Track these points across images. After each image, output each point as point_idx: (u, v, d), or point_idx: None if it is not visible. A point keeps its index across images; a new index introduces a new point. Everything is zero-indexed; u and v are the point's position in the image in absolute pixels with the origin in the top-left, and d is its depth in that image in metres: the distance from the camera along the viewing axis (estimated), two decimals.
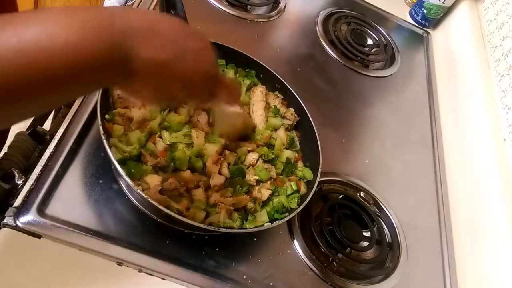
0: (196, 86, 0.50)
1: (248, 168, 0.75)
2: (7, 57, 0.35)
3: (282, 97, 0.86)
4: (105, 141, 0.61)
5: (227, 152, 0.73)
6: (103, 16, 0.40)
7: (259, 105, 0.82)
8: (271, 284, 0.71)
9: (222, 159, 0.72)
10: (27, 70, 0.35)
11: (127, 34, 0.41)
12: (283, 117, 0.84)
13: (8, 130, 0.85)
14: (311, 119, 0.81)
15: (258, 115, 0.81)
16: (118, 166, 0.60)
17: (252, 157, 0.75)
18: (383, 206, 0.91)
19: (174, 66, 0.45)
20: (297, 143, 0.83)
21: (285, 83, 0.85)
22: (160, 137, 0.71)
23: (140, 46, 0.42)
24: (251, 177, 0.74)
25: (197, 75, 0.48)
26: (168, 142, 0.70)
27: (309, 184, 0.76)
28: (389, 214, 0.90)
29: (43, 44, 0.36)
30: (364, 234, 0.85)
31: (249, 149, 0.77)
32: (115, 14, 0.41)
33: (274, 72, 0.85)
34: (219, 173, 0.72)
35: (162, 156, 0.69)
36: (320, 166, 0.75)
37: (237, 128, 0.75)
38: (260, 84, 0.86)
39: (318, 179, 0.75)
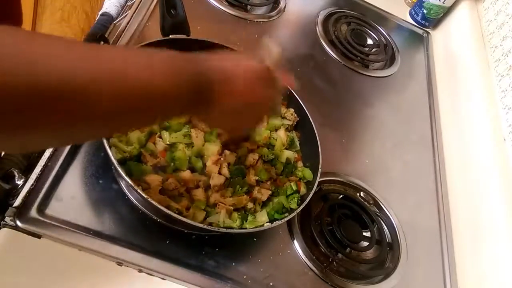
0: (259, 123, 0.65)
1: (248, 168, 0.75)
2: (104, 84, 0.38)
3: (282, 97, 0.86)
4: (105, 141, 0.61)
5: (227, 152, 0.73)
6: (190, 62, 0.47)
7: None
8: (271, 284, 0.71)
9: (222, 159, 0.72)
10: (132, 95, 0.40)
11: (208, 79, 0.47)
12: (283, 118, 0.84)
13: None
14: (311, 119, 0.81)
15: None
16: (118, 166, 0.60)
17: (252, 158, 0.75)
18: (383, 206, 0.91)
19: (242, 113, 0.53)
20: (297, 143, 0.83)
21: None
22: (160, 137, 0.71)
23: (219, 91, 0.48)
24: (251, 177, 0.74)
25: (259, 119, 0.60)
26: (168, 142, 0.70)
27: (309, 184, 0.76)
28: (389, 214, 0.90)
29: (139, 84, 0.41)
30: (364, 234, 0.85)
31: (249, 147, 0.77)
32: (199, 60, 0.48)
33: None
34: (219, 173, 0.72)
35: (162, 156, 0.69)
36: (320, 167, 0.75)
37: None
38: None
39: (318, 180, 0.74)
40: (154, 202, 0.59)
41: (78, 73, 0.36)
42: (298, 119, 0.84)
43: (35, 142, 0.39)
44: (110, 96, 0.38)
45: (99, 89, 0.37)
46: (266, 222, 0.69)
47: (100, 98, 0.37)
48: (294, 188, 0.74)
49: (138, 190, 0.59)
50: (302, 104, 0.83)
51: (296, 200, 0.73)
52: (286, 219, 0.69)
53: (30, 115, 0.34)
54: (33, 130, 0.35)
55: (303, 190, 0.75)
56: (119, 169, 0.60)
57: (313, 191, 0.72)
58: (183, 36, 0.79)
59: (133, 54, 0.44)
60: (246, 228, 0.68)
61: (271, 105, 0.59)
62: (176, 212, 0.63)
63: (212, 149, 0.72)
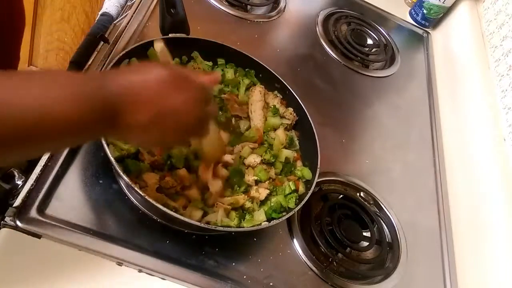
0: (181, 136, 0.55)
1: (247, 168, 0.75)
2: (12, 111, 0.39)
3: (281, 97, 0.86)
4: (103, 139, 0.61)
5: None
6: (91, 86, 0.45)
7: (258, 105, 0.82)
8: (271, 284, 0.71)
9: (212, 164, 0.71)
10: (30, 124, 0.40)
11: (113, 101, 0.45)
12: (282, 117, 0.84)
13: None
14: (310, 118, 0.81)
15: (257, 115, 0.81)
16: (115, 164, 0.60)
17: (253, 159, 0.75)
18: (383, 206, 0.91)
19: (156, 126, 0.49)
20: (297, 142, 0.83)
21: (284, 82, 0.85)
22: None
23: (125, 111, 0.46)
24: (249, 177, 0.74)
25: (180, 128, 0.52)
26: None
27: (308, 183, 0.76)
28: (389, 214, 0.90)
29: (38, 110, 0.40)
30: (364, 234, 0.85)
31: (250, 146, 0.77)
32: (102, 83, 0.46)
33: (273, 72, 0.85)
34: (215, 176, 0.71)
35: (159, 154, 0.69)
36: (318, 166, 0.75)
37: (219, 149, 0.73)
38: (259, 83, 0.86)
39: (316, 179, 0.74)
40: (150, 200, 0.59)
41: None
42: (297, 118, 0.84)
43: None
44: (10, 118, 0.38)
45: None
46: (264, 221, 0.69)
47: None
48: (293, 187, 0.74)
49: (136, 188, 0.60)
50: (301, 103, 0.83)
51: (294, 200, 0.73)
52: (284, 218, 0.69)
53: None
54: None
55: (301, 189, 0.75)
56: (117, 167, 0.60)
57: (311, 190, 0.72)
58: (183, 35, 0.79)
59: (27, 81, 0.42)
60: (243, 227, 0.68)
61: (197, 108, 0.53)
62: (173, 210, 0.63)
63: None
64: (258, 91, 0.83)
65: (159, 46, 0.55)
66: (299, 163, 0.80)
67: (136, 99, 0.47)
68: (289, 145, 0.81)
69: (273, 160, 0.77)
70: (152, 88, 0.48)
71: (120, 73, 0.49)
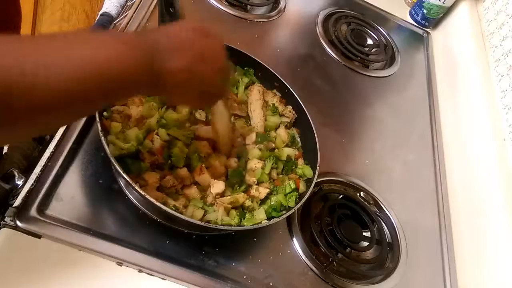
0: (215, 84, 0.58)
1: (248, 172, 0.75)
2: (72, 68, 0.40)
3: (280, 95, 0.86)
4: (103, 139, 0.61)
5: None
6: (138, 40, 0.48)
7: (257, 104, 0.82)
8: (271, 284, 0.71)
9: (203, 165, 0.71)
10: (77, 83, 0.41)
11: (153, 52, 0.48)
12: (281, 115, 0.84)
13: None
14: (308, 116, 0.81)
15: (256, 114, 0.82)
16: (115, 163, 0.60)
17: (254, 165, 0.75)
18: (383, 206, 0.91)
19: (195, 69, 0.52)
20: (298, 140, 0.83)
21: (283, 81, 0.85)
22: (158, 134, 0.71)
23: (163, 59, 0.49)
24: (250, 178, 0.74)
25: (215, 72, 0.56)
26: (164, 139, 0.70)
27: (309, 182, 0.76)
28: (389, 214, 0.90)
29: (97, 60, 0.42)
30: (364, 234, 0.85)
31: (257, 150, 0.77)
32: (145, 37, 0.50)
33: (272, 70, 0.85)
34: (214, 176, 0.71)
35: (159, 153, 0.69)
36: (318, 164, 0.75)
37: (229, 129, 0.75)
38: (257, 82, 0.86)
39: (316, 176, 0.74)
40: (150, 198, 0.59)
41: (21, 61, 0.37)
42: (296, 116, 0.85)
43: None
44: (62, 79, 0.39)
45: (50, 73, 0.38)
46: (264, 220, 0.69)
47: (49, 82, 0.38)
48: (293, 186, 0.74)
49: (135, 187, 0.60)
50: (300, 102, 0.83)
51: (294, 198, 0.73)
52: (284, 216, 0.69)
53: None
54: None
55: (302, 188, 0.75)
56: (117, 166, 0.60)
57: (311, 188, 0.72)
58: None
59: (82, 36, 0.45)
60: (243, 226, 0.68)
61: (223, 52, 0.57)
62: (173, 208, 0.63)
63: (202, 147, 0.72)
64: (256, 90, 0.83)
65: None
66: (300, 161, 0.80)
67: (173, 44, 0.50)
68: (292, 143, 0.81)
69: (275, 166, 0.77)
70: (182, 35, 0.52)
71: (155, 28, 0.54)
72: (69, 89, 0.40)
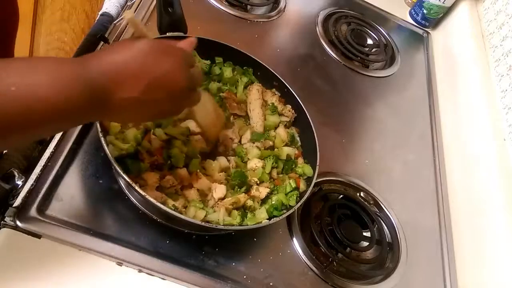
0: (176, 103, 0.55)
1: (248, 171, 0.75)
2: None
3: (279, 95, 0.86)
4: (102, 139, 0.62)
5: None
6: (76, 69, 0.45)
7: (256, 103, 0.82)
8: (271, 284, 0.71)
9: (198, 171, 0.70)
10: (16, 113, 0.40)
11: (99, 82, 0.45)
12: (280, 114, 0.84)
13: None
14: (308, 115, 0.81)
15: (255, 113, 0.82)
16: (115, 164, 0.60)
17: (255, 164, 0.75)
18: (383, 206, 0.91)
19: (148, 97, 0.49)
20: (298, 139, 0.83)
21: (282, 80, 0.85)
22: (155, 134, 0.71)
23: (115, 90, 0.46)
24: (251, 178, 0.74)
25: (172, 95, 0.52)
26: (162, 139, 0.70)
27: (309, 181, 0.76)
28: (389, 214, 0.90)
29: (23, 103, 0.40)
30: (364, 234, 0.85)
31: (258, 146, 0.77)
32: (87, 65, 0.46)
33: (271, 70, 0.85)
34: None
35: (158, 153, 0.69)
36: (318, 163, 0.75)
37: (218, 123, 0.75)
38: (257, 82, 0.86)
39: (316, 175, 0.74)
40: (150, 198, 0.59)
41: None
42: (295, 115, 0.85)
43: None
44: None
45: None
46: (264, 219, 0.69)
47: None
48: (293, 185, 0.74)
49: (135, 187, 0.60)
50: (299, 100, 0.83)
51: (295, 197, 0.73)
52: (285, 215, 0.69)
53: None
54: None
55: (302, 187, 0.75)
56: (117, 167, 0.60)
57: (311, 187, 0.72)
58: (180, 34, 0.79)
59: (14, 67, 0.42)
60: (243, 225, 0.68)
61: (184, 72, 0.53)
62: (173, 208, 0.63)
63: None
64: (256, 89, 0.83)
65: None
66: (300, 160, 0.80)
67: (124, 75, 0.47)
68: (291, 142, 0.82)
69: (275, 165, 0.77)
70: (137, 62, 0.48)
71: (102, 54, 0.49)
72: (5, 128, 0.39)
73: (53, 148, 0.69)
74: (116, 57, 0.48)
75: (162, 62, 0.50)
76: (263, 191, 0.72)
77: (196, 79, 0.58)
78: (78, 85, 0.43)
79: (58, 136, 0.70)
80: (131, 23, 0.54)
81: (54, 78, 0.42)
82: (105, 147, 0.61)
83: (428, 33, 1.41)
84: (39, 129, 0.43)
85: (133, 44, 0.50)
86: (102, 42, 0.86)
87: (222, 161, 0.74)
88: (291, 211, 0.70)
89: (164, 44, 0.53)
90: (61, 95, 0.42)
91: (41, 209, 0.63)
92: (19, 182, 0.65)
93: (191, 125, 0.74)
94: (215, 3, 1.08)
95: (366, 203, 0.89)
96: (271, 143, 0.79)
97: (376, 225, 0.87)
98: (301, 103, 0.83)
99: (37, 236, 0.62)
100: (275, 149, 0.79)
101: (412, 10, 1.42)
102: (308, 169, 0.77)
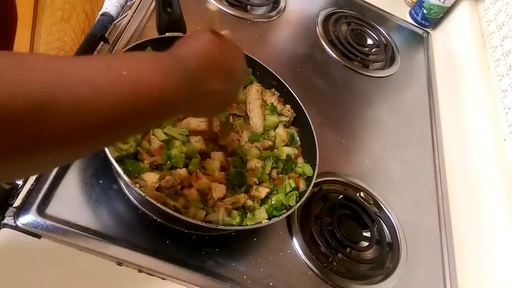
0: (237, 92, 0.59)
1: (247, 171, 0.75)
2: (106, 92, 0.37)
3: (278, 94, 0.86)
4: None
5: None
6: (171, 59, 0.46)
7: (255, 103, 0.82)
8: (271, 284, 0.71)
9: (197, 171, 0.70)
10: (122, 105, 0.38)
11: (192, 70, 0.47)
12: (280, 114, 0.84)
13: None
14: (307, 114, 0.81)
15: (255, 114, 0.82)
16: (115, 164, 0.60)
17: (254, 164, 0.75)
18: (383, 206, 0.91)
19: (227, 88, 0.52)
20: (297, 139, 0.83)
21: (281, 80, 0.85)
22: (155, 135, 0.71)
23: (203, 79, 0.48)
24: (251, 178, 0.74)
25: (239, 87, 0.57)
26: (161, 139, 0.70)
27: (309, 180, 0.76)
28: (389, 214, 0.90)
29: (135, 86, 0.39)
30: (364, 234, 0.85)
31: (255, 149, 0.77)
32: (177, 55, 0.47)
33: (270, 70, 0.85)
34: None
35: (158, 154, 0.69)
36: (317, 163, 0.75)
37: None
38: (256, 81, 0.86)
39: (315, 174, 0.74)
40: (150, 199, 0.59)
41: (50, 87, 0.33)
42: (295, 115, 0.85)
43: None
44: (109, 100, 0.37)
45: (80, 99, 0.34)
46: (264, 219, 0.69)
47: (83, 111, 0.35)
48: (293, 185, 0.74)
49: (135, 187, 0.60)
50: (299, 100, 0.83)
51: (295, 197, 0.73)
52: (285, 215, 0.69)
53: None
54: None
55: (302, 187, 0.75)
56: (117, 167, 0.60)
57: (311, 187, 0.72)
58: (180, 34, 0.79)
59: (119, 56, 0.43)
60: (243, 225, 0.68)
61: (244, 73, 0.57)
62: (173, 208, 0.63)
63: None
64: (255, 89, 0.83)
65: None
66: (300, 160, 0.80)
67: (207, 63, 0.49)
68: (291, 142, 0.82)
69: (275, 165, 0.77)
70: (212, 51, 0.50)
71: (178, 48, 0.50)
72: (115, 111, 0.38)
73: None
74: (192, 47, 0.49)
75: (231, 52, 0.53)
76: (262, 191, 0.72)
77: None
78: (178, 72, 0.44)
79: None
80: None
81: (158, 65, 0.43)
82: (106, 148, 0.61)
83: (428, 33, 1.41)
84: (141, 119, 0.42)
85: (198, 37, 0.51)
86: (102, 42, 0.86)
87: (217, 156, 0.74)
88: (291, 211, 0.70)
89: (220, 35, 0.54)
90: (168, 81, 0.42)
91: (41, 209, 0.63)
92: (19, 182, 0.65)
93: (193, 123, 0.74)
94: (215, 3, 1.08)
95: (366, 203, 0.89)
96: (270, 143, 0.79)
97: (376, 225, 0.87)
98: (301, 103, 0.83)
99: (37, 236, 0.62)
100: (275, 149, 0.79)
101: (412, 10, 1.42)
102: (308, 169, 0.77)
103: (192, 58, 0.48)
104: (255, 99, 0.82)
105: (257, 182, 0.74)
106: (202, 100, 0.50)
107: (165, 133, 0.71)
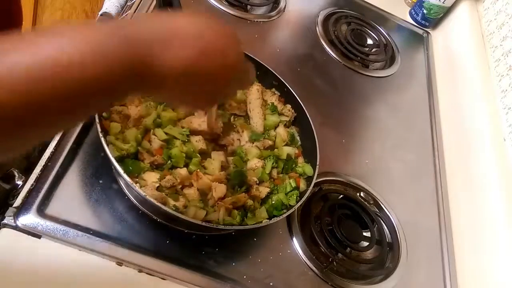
0: (224, 84, 0.47)
1: (248, 171, 0.75)
2: (26, 77, 0.32)
3: (279, 94, 0.86)
4: (103, 139, 0.61)
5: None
6: (115, 32, 0.37)
7: (256, 103, 0.82)
8: (271, 284, 0.71)
9: (198, 171, 0.70)
10: (46, 89, 0.33)
11: (143, 45, 0.38)
12: (280, 114, 0.84)
13: None
14: (308, 114, 0.81)
15: (255, 113, 0.82)
16: (115, 164, 0.60)
17: (255, 164, 0.75)
18: (383, 206, 0.91)
19: (201, 63, 0.41)
20: (298, 138, 0.83)
21: (282, 80, 0.85)
22: (155, 134, 0.71)
23: (160, 52, 0.39)
24: (251, 178, 0.74)
25: (226, 69, 0.45)
26: (161, 139, 0.70)
27: (309, 180, 0.76)
28: (389, 214, 0.90)
29: (60, 63, 0.33)
30: (364, 234, 0.85)
31: (256, 150, 0.77)
32: (125, 27, 0.39)
33: (271, 69, 0.85)
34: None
35: (158, 154, 0.69)
36: (318, 163, 0.75)
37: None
38: (256, 81, 0.86)
39: (316, 174, 0.74)
40: (150, 199, 0.59)
41: None
42: (295, 114, 0.85)
43: None
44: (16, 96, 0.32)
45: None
46: (265, 219, 0.69)
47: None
48: (293, 185, 0.74)
49: (135, 187, 0.60)
50: (299, 100, 0.83)
51: (295, 197, 0.73)
52: (285, 215, 0.69)
53: None
54: None
55: (302, 186, 0.75)
56: (117, 166, 0.60)
57: (311, 186, 0.72)
58: None
59: (44, 40, 0.34)
60: (243, 225, 0.68)
61: (231, 53, 0.46)
62: (173, 208, 0.63)
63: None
64: (255, 89, 0.83)
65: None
66: (300, 160, 0.80)
67: (171, 36, 0.39)
68: (291, 142, 0.82)
69: (275, 165, 0.77)
70: (192, 25, 0.41)
71: (139, 21, 0.41)
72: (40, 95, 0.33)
73: (53, 148, 0.69)
74: (161, 20, 0.41)
75: (219, 31, 0.44)
76: (263, 191, 0.72)
77: (248, 70, 0.52)
78: (119, 51, 0.36)
79: (58, 136, 0.70)
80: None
81: (94, 51, 0.35)
82: (105, 147, 0.61)
83: (428, 33, 1.41)
84: (79, 109, 0.37)
85: (190, 14, 0.43)
86: None
87: (217, 155, 0.74)
88: (291, 210, 0.70)
89: (217, 21, 0.45)
90: (103, 69, 0.35)
91: (41, 209, 0.63)
92: (19, 182, 0.65)
93: (195, 122, 0.74)
94: (215, 3, 1.08)
95: (366, 203, 0.89)
96: (270, 142, 0.79)
97: (376, 225, 0.87)
98: (301, 103, 0.83)
99: (37, 236, 0.62)
100: (275, 149, 0.79)
101: (412, 10, 1.42)
102: (308, 169, 0.77)
103: (161, 25, 0.40)
104: (256, 99, 0.82)
105: (258, 182, 0.74)
106: (167, 79, 0.40)
107: (166, 133, 0.71)
